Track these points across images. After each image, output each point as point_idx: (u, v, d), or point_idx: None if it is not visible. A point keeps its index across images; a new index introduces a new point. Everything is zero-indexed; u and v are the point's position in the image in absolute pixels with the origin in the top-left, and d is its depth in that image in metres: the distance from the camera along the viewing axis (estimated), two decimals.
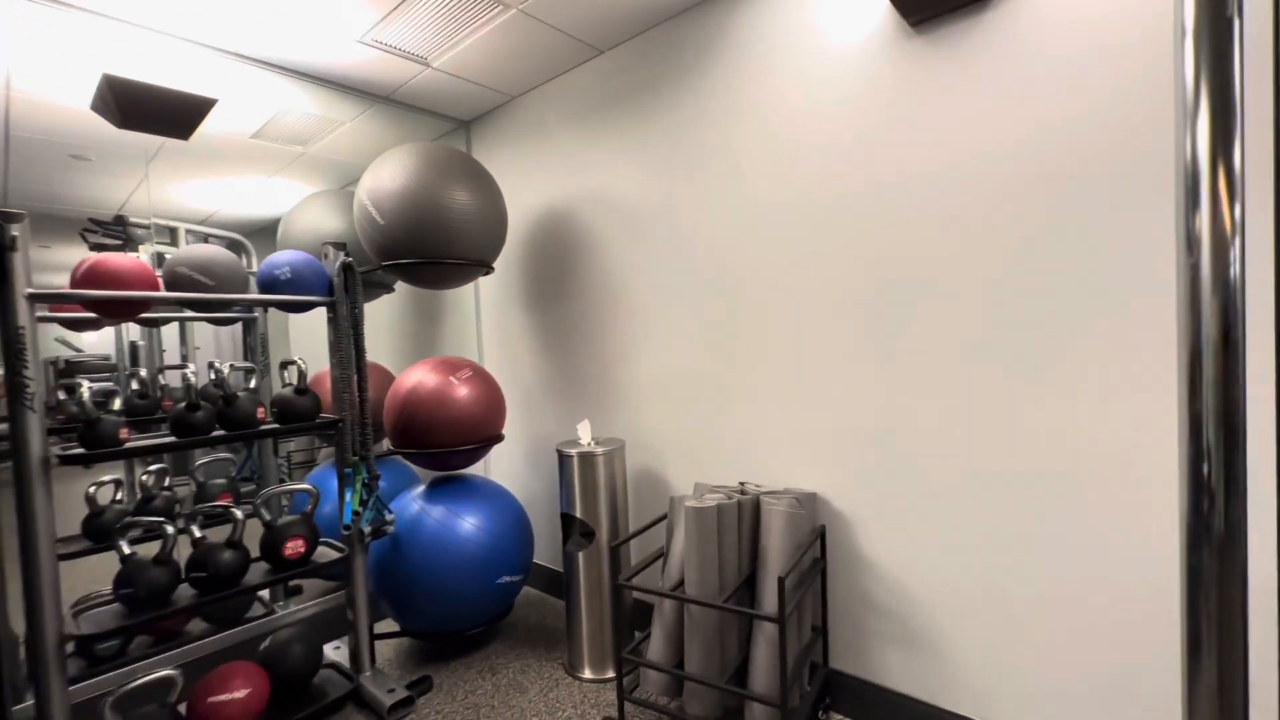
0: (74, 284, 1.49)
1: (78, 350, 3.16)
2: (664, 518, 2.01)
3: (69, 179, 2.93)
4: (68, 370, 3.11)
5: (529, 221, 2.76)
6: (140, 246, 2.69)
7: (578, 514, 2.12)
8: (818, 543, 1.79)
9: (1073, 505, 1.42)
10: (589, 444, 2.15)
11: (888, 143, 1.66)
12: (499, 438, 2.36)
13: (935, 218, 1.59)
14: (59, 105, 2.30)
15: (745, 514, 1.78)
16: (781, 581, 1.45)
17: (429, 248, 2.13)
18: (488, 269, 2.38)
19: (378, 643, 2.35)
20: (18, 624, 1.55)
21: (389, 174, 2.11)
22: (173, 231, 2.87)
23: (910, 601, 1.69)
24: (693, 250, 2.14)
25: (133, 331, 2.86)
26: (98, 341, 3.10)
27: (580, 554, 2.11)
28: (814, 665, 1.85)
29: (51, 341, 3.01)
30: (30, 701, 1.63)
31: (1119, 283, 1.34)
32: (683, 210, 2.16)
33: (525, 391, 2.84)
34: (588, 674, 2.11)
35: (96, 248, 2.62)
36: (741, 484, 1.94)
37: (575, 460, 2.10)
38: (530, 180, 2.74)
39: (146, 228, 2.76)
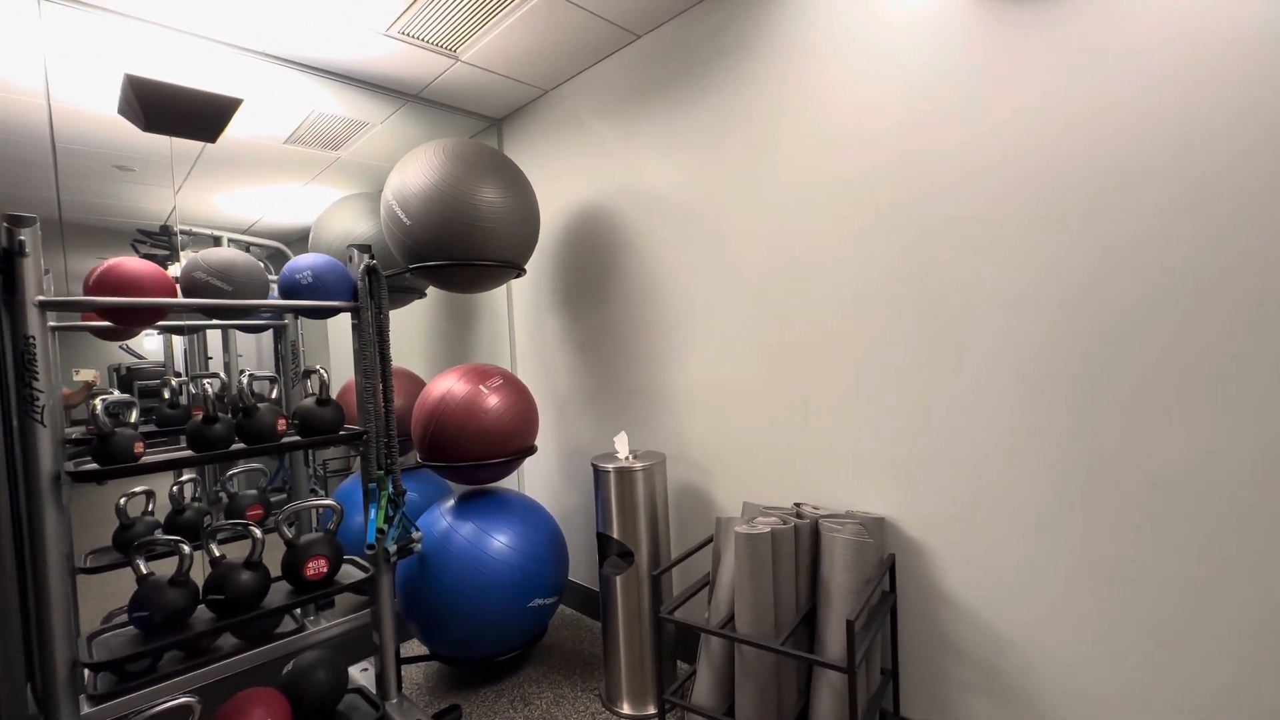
0: (86, 290, 1.42)
1: (140, 357, 3.20)
2: (709, 541, 1.83)
3: (115, 190, 2.97)
4: (128, 377, 3.16)
5: (563, 221, 2.62)
6: (183, 255, 2.68)
7: (614, 534, 1.95)
8: (886, 575, 1.57)
9: (1209, 534, 1.16)
10: (627, 458, 1.98)
11: (967, 127, 1.44)
12: (531, 450, 2.22)
13: (1026, 214, 1.36)
14: (99, 114, 2.29)
15: (803, 540, 1.58)
16: (850, 625, 1.25)
17: (457, 249, 2.01)
18: (519, 271, 2.25)
19: (405, 666, 2.24)
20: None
21: (415, 172, 2.01)
22: (216, 240, 2.86)
23: (1001, 645, 1.44)
24: (741, 249, 1.94)
25: (183, 340, 2.86)
26: (158, 349, 3.14)
27: (618, 578, 1.94)
28: (883, 713, 1.62)
29: (116, 350, 3.05)
30: None
31: (1259, 295, 1.09)
32: (729, 205, 1.97)
33: (560, 400, 2.70)
34: (626, 709, 1.94)
35: (148, 259, 2.63)
36: (797, 505, 1.73)
37: (611, 475, 1.94)
38: (564, 178, 2.60)
39: (188, 237, 2.76)
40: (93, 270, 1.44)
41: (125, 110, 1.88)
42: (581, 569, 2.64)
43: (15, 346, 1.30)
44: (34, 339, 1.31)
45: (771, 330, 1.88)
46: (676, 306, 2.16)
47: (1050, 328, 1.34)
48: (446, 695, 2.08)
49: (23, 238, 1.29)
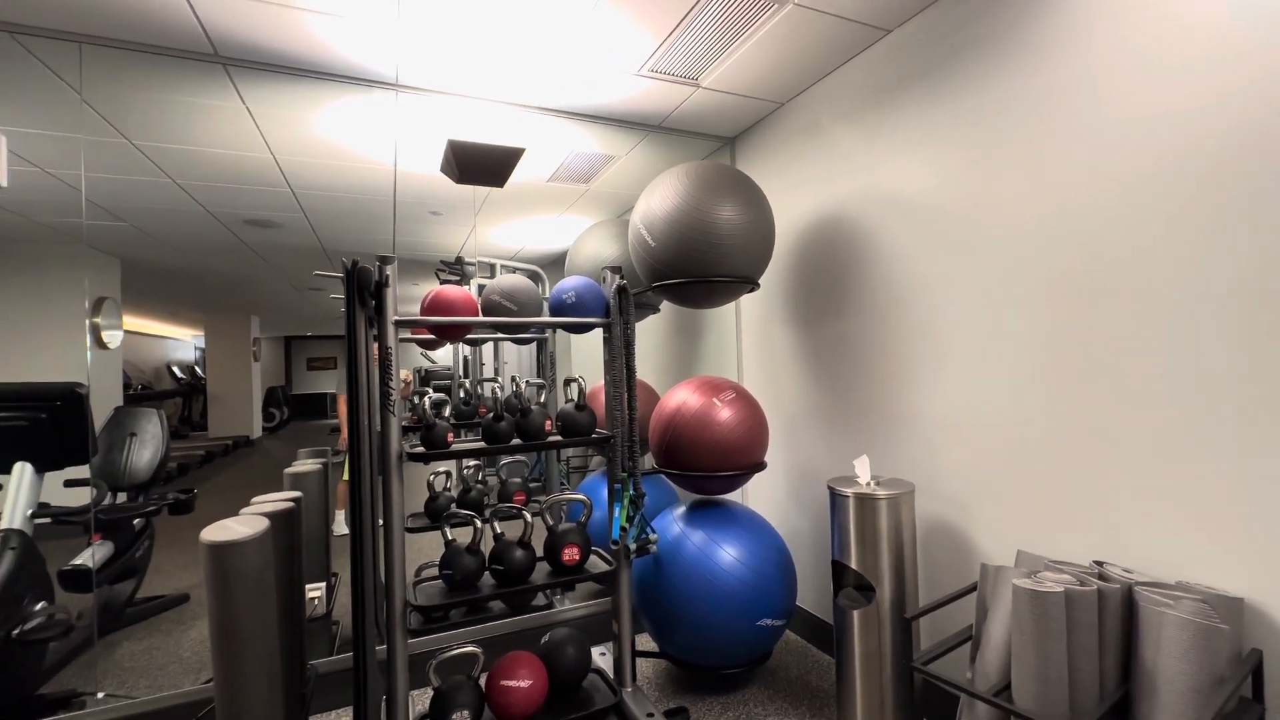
0: (422, 311, 1.81)
1: (433, 362, 4.05)
2: (971, 590, 1.59)
3: (426, 230, 3.78)
4: (426, 378, 4.02)
5: (796, 234, 2.56)
6: (471, 280, 3.28)
7: (852, 564, 1.82)
8: (1249, 677, 1.18)
9: None
10: (868, 484, 1.84)
11: None
12: (761, 465, 2.20)
13: None
14: (422, 174, 2.93)
15: (1109, 609, 1.28)
16: None
17: (696, 266, 2.10)
18: (754, 285, 2.26)
19: (637, 659, 2.38)
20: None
21: (660, 196, 2.15)
22: (491, 267, 3.45)
23: None
24: (1016, 257, 1.67)
25: (464, 348, 3.52)
26: (443, 355, 3.94)
27: (855, 612, 1.80)
28: None
29: (418, 357, 3.91)
30: (383, 646, 2.02)
31: None
32: (1002, 207, 1.71)
33: (787, 416, 2.63)
34: None
35: (445, 283, 3.31)
36: (1099, 564, 1.41)
37: (851, 502, 1.81)
38: (799, 189, 2.54)
39: (474, 265, 3.36)
40: (426, 296, 1.83)
41: (445, 168, 2.36)
42: (809, 596, 2.53)
43: (381, 355, 1.71)
44: (392, 349, 1.71)
45: (1056, 350, 1.57)
46: (928, 321, 1.95)
47: None
48: (674, 695, 2.15)
49: (388, 272, 1.70)
